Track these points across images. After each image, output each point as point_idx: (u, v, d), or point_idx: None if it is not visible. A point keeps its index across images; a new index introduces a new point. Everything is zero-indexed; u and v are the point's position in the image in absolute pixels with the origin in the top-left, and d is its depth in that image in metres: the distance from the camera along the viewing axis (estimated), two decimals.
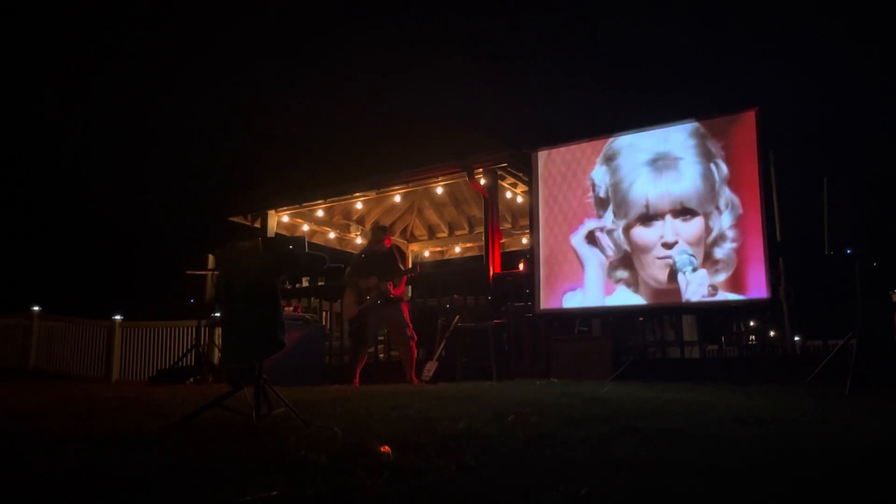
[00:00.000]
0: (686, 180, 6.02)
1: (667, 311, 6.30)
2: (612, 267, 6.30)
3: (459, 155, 7.70)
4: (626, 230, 6.25)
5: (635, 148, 6.37)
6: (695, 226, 5.90)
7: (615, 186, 6.39)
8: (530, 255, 7.00)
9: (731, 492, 1.81)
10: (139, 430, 2.99)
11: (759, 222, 5.60)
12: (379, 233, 6.61)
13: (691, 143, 6.07)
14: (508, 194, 8.94)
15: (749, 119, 5.84)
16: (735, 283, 5.65)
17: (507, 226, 10.28)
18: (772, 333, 8.62)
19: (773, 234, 5.61)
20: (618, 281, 6.24)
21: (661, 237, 6.04)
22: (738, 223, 5.71)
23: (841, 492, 1.82)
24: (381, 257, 6.39)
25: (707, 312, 6.27)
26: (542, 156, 6.94)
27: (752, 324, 8.54)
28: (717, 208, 5.82)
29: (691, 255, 5.83)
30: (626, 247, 6.23)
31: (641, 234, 6.18)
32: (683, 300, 5.87)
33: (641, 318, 6.60)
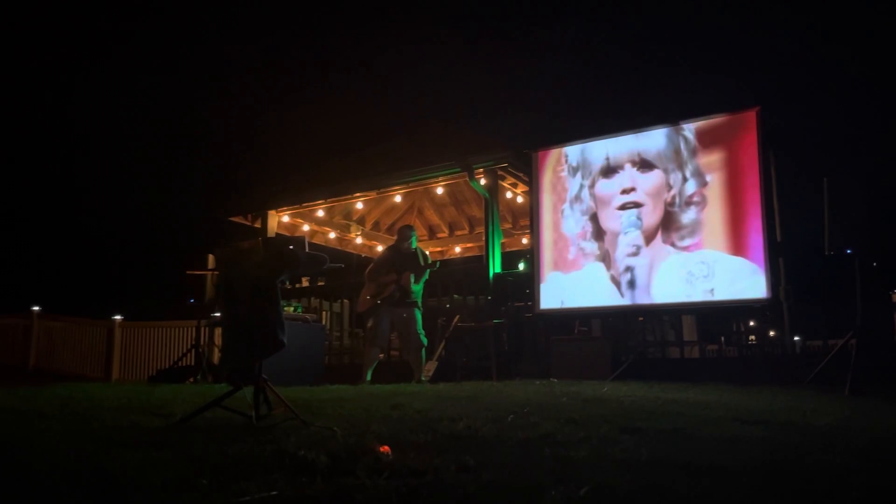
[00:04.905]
0: (645, 137, 6.29)
1: (667, 311, 6.29)
2: (583, 238, 6.48)
3: (459, 155, 7.71)
4: (591, 187, 6.49)
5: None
6: (653, 178, 6.14)
7: (583, 158, 6.64)
8: (530, 255, 7.00)
9: (730, 492, 1.81)
10: (139, 430, 2.99)
11: (759, 223, 5.60)
12: (406, 231, 6.72)
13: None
14: (508, 194, 8.94)
15: (750, 119, 5.84)
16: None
17: (508, 226, 10.28)
18: (772, 333, 8.60)
19: (773, 234, 5.61)
20: (587, 254, 6.40)
21: (621, 186, 6.30)
22: (703, 191, 5.89)
23: (840, 492, 1.82)
24: (406, 256, 6.51)
25: (707, 312, 6.27)
26: (542, 156, 6.95)
27: (752, 324, 8.53)
28: (682, 173, 6.00)
29: (638, 218, 6.07)
30: (591, 203, 6.44)
31: (603, 186, 6.44)
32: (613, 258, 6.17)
33: (641, 318, 6.60)
